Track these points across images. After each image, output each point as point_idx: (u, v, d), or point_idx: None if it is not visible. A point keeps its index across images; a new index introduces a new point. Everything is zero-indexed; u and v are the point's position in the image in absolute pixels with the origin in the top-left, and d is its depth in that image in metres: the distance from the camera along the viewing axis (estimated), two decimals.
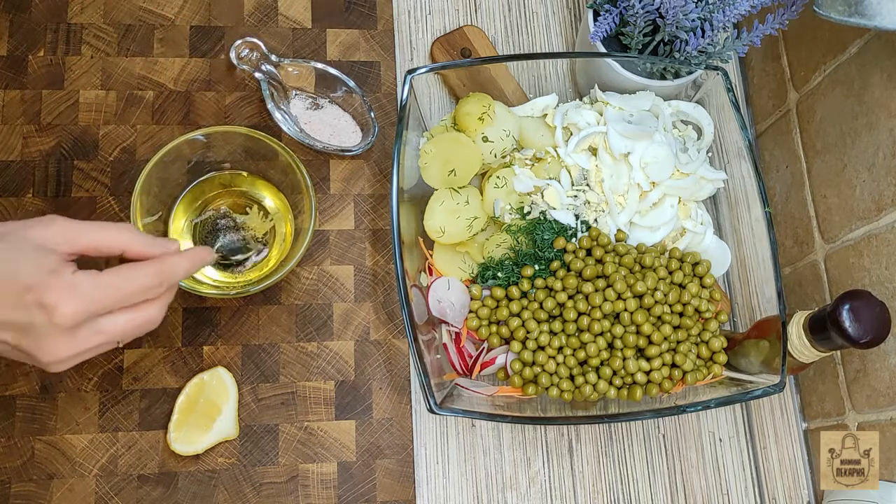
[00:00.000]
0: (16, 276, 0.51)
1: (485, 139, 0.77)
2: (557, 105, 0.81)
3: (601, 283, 0.72)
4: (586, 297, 0.72)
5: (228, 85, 0.82)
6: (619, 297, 0.72)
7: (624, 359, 0.72)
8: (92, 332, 0.53)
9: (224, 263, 0.75)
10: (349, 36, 0.86)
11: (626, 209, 0.76)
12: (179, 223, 0.75)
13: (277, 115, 0.78)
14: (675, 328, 0.73)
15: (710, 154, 0.81)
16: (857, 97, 0.74)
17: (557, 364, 0.72)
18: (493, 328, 0.75)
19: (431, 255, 0.78)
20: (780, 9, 0.74)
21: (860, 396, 0.75)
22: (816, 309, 0.70)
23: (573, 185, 0.77)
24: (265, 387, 0.76)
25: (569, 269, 0.74)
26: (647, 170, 0.75)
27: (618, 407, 0.73)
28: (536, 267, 0.75)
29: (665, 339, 0.72)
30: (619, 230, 0.76)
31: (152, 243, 0.56)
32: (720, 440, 0.82)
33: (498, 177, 0.77)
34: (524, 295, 0.75)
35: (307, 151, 0.82)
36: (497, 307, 0.75)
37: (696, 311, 0.74)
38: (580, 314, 0.73)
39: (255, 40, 0.79)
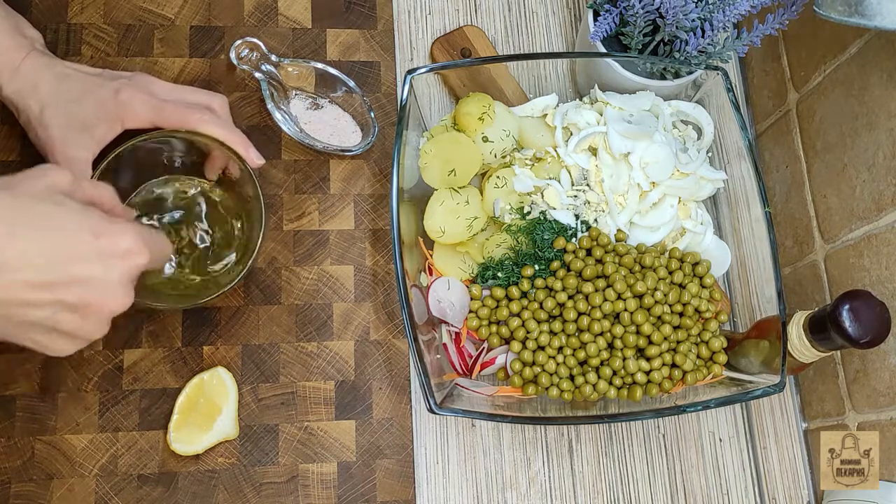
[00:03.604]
0: (79, 225, 0.51)
1: (485, 139, 0.77)
2: (557, 105, 0.81)
3: (601, 283, 0.72)
4: (586, 297, 0.72)
5: (228, 85, 0.82)
6: (619, 297, 0.72)
7: (624, 359, 0.72)
8: (134, 282, 0.55)
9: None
10: (349, 36, 0.86)
11: (626, 209, 0.76)
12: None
13: (277, 115, 0.78)
14: (675, 328, 0.74)
15: (710, 154, 0.81)
16: (857, 97, 0.74)
17: (557, 364, 0.72)
18: (493, 328, 0.75)
19: (431, 255, 0.78)
20: (780, 9, 0.74)
21: (860, 396, 0.75)
22: (816, 309, 0.70)
23: (573, 185, 0.77)
24: (265, 387, 0.76)
25: (569, 269, 0.74)
26: (647, 170, 0.76)
27: (618, 407, 0.73)
28: (536, 267, 0.75)
29: (665, 339, 0.72)
30: (619, 230, 0.76)
31: (127, 211, 0.62)
32: (720, 440, 0.82)
33: (498, 177, 0.77)
34: (524, 295, 0.75)
35: (307, 151, 0.82)
36: (497, 307, 0.75)
37: (696, 311, 0.74)
38: (580, 314, 0.73)
39: (255, 40, 0.79)
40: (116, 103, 0.68)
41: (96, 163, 0.68)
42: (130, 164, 0.70)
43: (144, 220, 0.72)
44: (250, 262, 0.69)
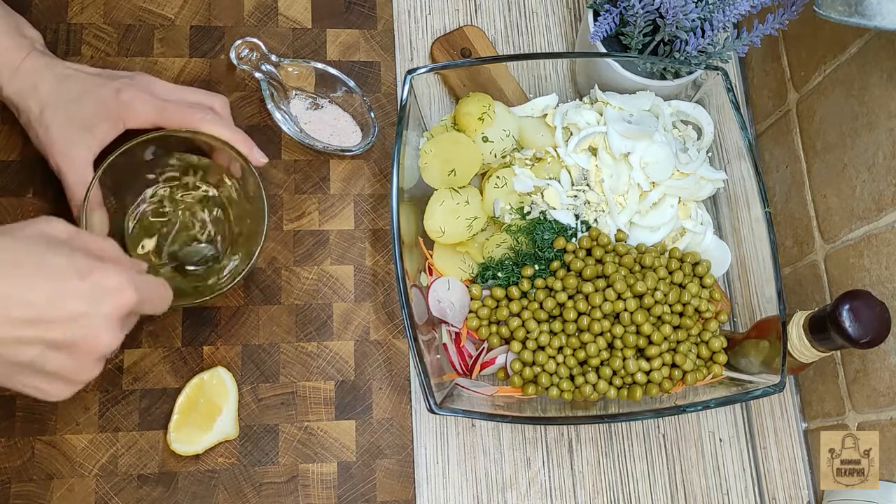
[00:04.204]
0: (66, 264, 0.51)
1: (485, 139, 0.77)
2: (557, 105, 0.81)
3: (601, 283, 0.72)
4: (586, 297, 0.72)
5: (228, 85, 0.82)
6: (619, 297, 0.72)
7: (624, 359, 0.72)
8: (129, 319, 0.55)
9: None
10: (349, 36, 0.86)
11: (626, 209, 0.76)
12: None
13: (277, 115, 0.78)
14: (675, 328, 0.74)
15: (710, 154, 0.81)
16: (857, 97, 0.74)
17: (557, 364, 0.72)
18: (493, 328, 0.75)
19: (431, 255, 0.78)
20: (780, 9, 0.74)
21: (860, 396, 0.75)
22: (816, 309, 0.70)
23: (573, 185, 0.77)
24: (265, 387, 0.76)
25: (569, 269, 0.74)
26: (647, 170, 0.76)
27: (618, 407, 0.73)
28: (536, 267, 0.75)
29: (665, 339, 0.72)
30: (619, 230, 0.76)
31: (134, 263, 0.60)
32: (720, 440, 0.82)
33: (498, 177, 0.77)
34: (524, 295, 0.75)
35: (307, 151, 0.82)
36: (497, 307, 0.75)
37: (696, 311, 0.74)
38: (580, 314, 0.73)
39: (255, 40, 0.79)
40: (118, 103, 0.68)
41: (98, 163, 0.68)
42: (132, 165, 0.70)
43: (149, 246, 0.72)
44: (252, 261, 0.69)
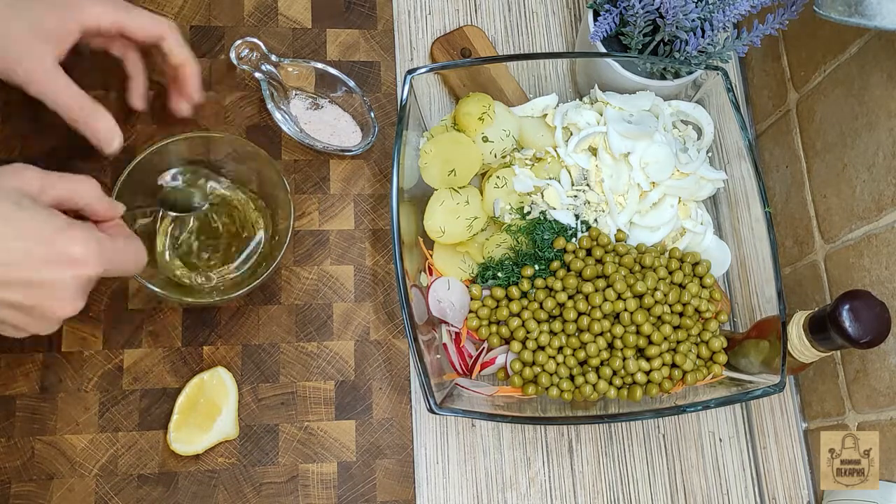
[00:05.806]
0: (34, 229, 0.50)
1: (485, 139, 0.77)
2: (557, 105, 0.81)
3: (601, 283, 0.72)
4: (586, 297, 0.72)
5: (228, 85, 0.82)
6: (619, 297, 0.72)
7: (624, 359, 0.72)
8: (92, 284, 0.54)
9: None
10: (349, 36, 0.86)
11: (626, 209, 0.76)
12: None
13: (277, 115, 0.78)
14: (675, 328, 0.74)
15: (710, 154, 0.81)
16: (857, 97, 0.75)
17: (557, 364, 0.72)
18: (493, 328, 0.75)
19: (431, 255, 0.78)
20: (780, 9, 0.74)
21: (860, 396, 0.75)
22: (816, 309, 0.70)
23: (573, 185, 0.77)
24: (265, 387, 0.76)
25: (569, 269, 0.74)
26: (647, 170, 0.76)
27: (618, 407, 0.73)
28: (536, 267, 0.75)
29: (665, 339, 0.72)
30: (619, 230, 0.76)
31: (113, 206, 0.59)
32: (720, 440, 0.82)
33: (498, 177, 0.77)
34: (524, 295, 0.75)
35: (307, 151, 0.82)
36: (497, 307, 0.75)
37: (696, 311, 0.74)
38: (580, 314, 0.73)
39: (255, 40, 0.79)
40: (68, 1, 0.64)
41: (116, 173, 0.68)
42: (148, 169, 0.70)
43: (139, 218, 0.72)
44: (279, 258, 0.70)
